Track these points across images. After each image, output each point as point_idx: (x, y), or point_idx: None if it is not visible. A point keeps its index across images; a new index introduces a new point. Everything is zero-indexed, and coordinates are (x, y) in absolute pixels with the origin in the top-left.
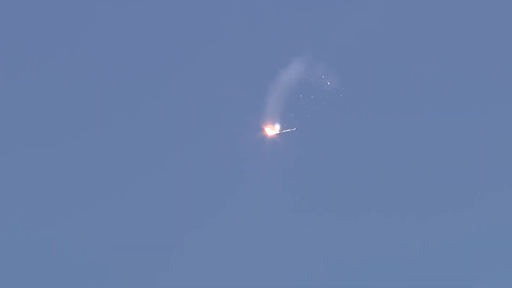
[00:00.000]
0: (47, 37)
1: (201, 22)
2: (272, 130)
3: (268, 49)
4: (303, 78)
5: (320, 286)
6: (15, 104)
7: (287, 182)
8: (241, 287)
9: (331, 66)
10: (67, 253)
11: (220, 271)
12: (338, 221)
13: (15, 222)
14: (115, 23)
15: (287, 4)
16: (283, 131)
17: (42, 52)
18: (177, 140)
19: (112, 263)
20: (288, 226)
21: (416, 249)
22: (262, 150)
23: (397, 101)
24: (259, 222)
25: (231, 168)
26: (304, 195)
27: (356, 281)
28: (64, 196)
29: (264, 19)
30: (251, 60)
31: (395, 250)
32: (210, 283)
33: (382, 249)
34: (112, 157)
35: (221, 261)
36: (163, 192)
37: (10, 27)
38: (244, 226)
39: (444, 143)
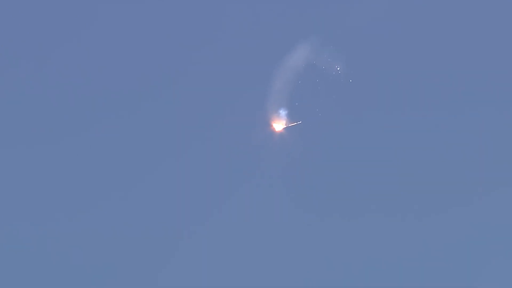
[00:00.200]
0: (46, 36)
1: (207, 9)
2: (279, 124)
3: (274, 35)
4: (310, 63)
5: (326, 285)
6: (14, 103)
7: (293, 179)
8: (247, 286)
9: (338, 52)
10: (66, 252)
11: (226, 269)
12: (343, 219)
13: (14, 222)
14: (116, 21)
15: None
16: (289, 125)
17: (41, 52)
18: (182, 137)
19: (113, 262)
20: (294, 224)
21: (418, 248)
22: (269, 146)
23: (405, 90)
24: (265, 220)
25: (238, 165)
26: (309, 193)
27: (358, 281)
28: (64, 195)
29: (270, 4)
30: (256, 46)
31: (399, 249)
32: (218, 281)
33: (386, 248)
34: (114, 155)
35: (226, 259)
36: (168, 189)
37: (9, 26)
38: (250, 224)
39: (452, 140)
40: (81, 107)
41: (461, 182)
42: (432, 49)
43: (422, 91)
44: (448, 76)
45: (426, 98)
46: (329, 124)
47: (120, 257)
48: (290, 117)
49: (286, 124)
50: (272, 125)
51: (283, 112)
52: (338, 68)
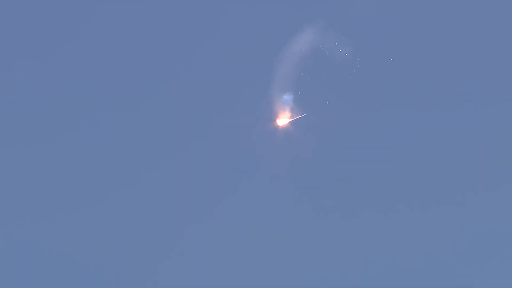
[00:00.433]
0: (45, 35)
1: None
2: (283, 118)
3: (278, 19)
4: (315, 48)
5: (329, 285)
6: (13, 103)
7: (297, 176)
8: (249, 285)
9: (345, 36)
10: (64, 251)
11: (227, 268)
12: (349, 219)
13: (12, 221)
14: (115, 20)
15: None
16: (294, 118)
17: (40, 51)
18: (184, 133)
19: (114, 262)
20: (298, 224)
21: (418, 247)
22: (273, 142)
23: (415, 77)
24: (268, 219)
25: (241, 161)
26: (314, 192)
27: (360, 280)
28: (62, 194)
29: None
30: (260, 31)
31: (404, 248)
32: (219, 281)
33: (391, 247)
34: (115, 153)
35: (227, 258)
36: (169, 188)
37: (8, 25)
38: (253, 223)
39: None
40: (81, 106)
41: (465, 181)
42: (444, 32)
43: (433, 77)
44: (461, 58)
45: (438, 84)
46: (336, 115)
47: (120, 256)
48: (295, 102)
49: (290, 118)
50: (276, 120)
51: (288, 97)
52: (347, 54)
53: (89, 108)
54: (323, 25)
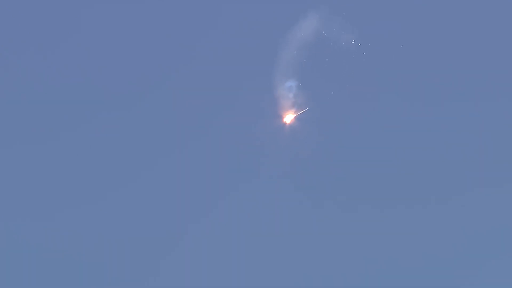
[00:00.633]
0: (43, 35)
1: None
2: (289, 114)
3: (280, 4)
4: (319, 35)
5: (331, 285)
6: (12, 102)
7: (302, 174)
8: (254, 282)
9: (350, 23)
10: (62, 251)
11: (228, 268)
12: (350, 217)
13: (12, 221)
14: (117, 19)
15: None
16: (298, 113)
17: (39, 50)
18: (184, 130)
19: (116, 261)
20: (303, 221)
21: (426, 247)
22: (279, 139)
23: (424, 66)
24: (273, 219)
25: (243, 160)
26: (319, 191)
27: (360, 281)
28: (61, 194)
29: None
30: (261, 17)
31: (409, 247)
32: (221, 280)
33: (397, 246)
34: (117, 151)
35: (228, 258)
36: (169, 187)
37: (6, 23)
38: (255, 222)
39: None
40: (81, 106)
41: (475, 180)
42: (454, 19)
43: (446, 66)
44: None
45: (452, 74)
46: (341, 107)
47: (122, 255)
48: (299, 89)
49: (295, 113)
50: (282, 117)
51: (291, 84)
52: (353, 41)
53: (91, 107)
54: (327, 10)
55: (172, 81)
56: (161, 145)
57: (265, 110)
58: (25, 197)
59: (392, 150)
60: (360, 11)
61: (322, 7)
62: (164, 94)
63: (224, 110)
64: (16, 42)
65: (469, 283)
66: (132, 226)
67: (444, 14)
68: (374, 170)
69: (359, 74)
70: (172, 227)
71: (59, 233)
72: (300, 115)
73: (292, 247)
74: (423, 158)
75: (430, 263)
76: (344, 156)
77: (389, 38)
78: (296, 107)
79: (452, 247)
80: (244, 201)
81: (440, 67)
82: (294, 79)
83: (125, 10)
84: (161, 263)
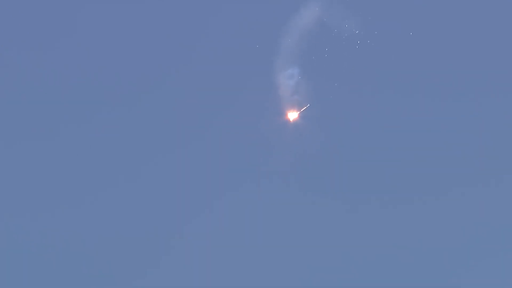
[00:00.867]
0: (43, 35)
1: None
2: (292, 112)
3: None
4: (321, 21)
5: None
6: (12, 101)
7: (306, 173)
8: (254, 285)
9: (352, 11)
10: (62, 251)
11: (230, 267)
12: (356, 215)
13: (8, 220)
14: (117, 19)
15: None
16: (301, 110)
17: (37, 49)
18: (185, 128)
19: (117, 260)
20: (306, 220)
21: (436, 245)
22: (284, 137)
23: (429, 55)
24: (275, 216)
25: (246, 159)
26: (323, 190)
27: (363, 280)
28: (59, 193)
29: None
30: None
31: (414, 246)
32: (222, 280)
33: (401, 245)
34: (118, 149)
35: (230, 258)
36: (170, 186)
37: (6, 23)
38: (257, 223)
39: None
40: (82, 105)
41: (484, 177)
42: (452, 12)
43: (455, 56)
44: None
45: (461, 65)
46: (344, 101)
47: (123, 254)
48: (301, 77)
49: (298, 110)
50: (286, 114)
51: (293, 71)
52: (357, 32)
53: (93, 107)
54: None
55: (175, 80)
56: (165, 144)
57: (269, 108)
58: (25, 196)
59: (396, 146)
60: None
61: None
62: (167, 93)
63: (228, 108)
64: (16, 41)
65: (468, 282)
66: (137, 224)
67: (447, 6)
68: (379, 167)
69: (363, 64)
70: (175, 225)
71: (59, 231)
72: (303, 112)
73: (297, 244)
74: (428, 154)
75: (435, 261)
76: (348, 153)
77: (392, 26)
78: (298, 96)
79: (456, 245)
80: (248, 199)
81: (445, 57)
82: (296, 66)
83: (126, 10)
84: (167, 260)
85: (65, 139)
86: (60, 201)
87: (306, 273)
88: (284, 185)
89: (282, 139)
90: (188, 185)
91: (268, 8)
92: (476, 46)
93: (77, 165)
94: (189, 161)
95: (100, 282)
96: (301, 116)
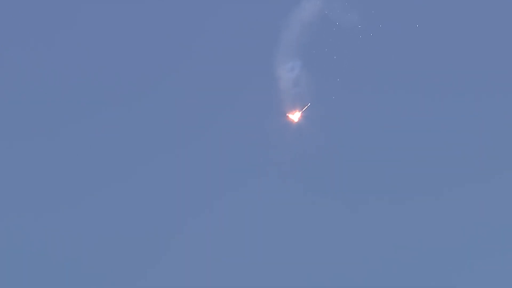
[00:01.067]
0: (43, 35)
1: None
2: (294, 113)
3: None
4: (322, 13)
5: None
6: (11, 100)
7: (308, 173)
8: (255, 285)
9: (352, 3)
10: (62, 250)
11: (230, 268)
12: (358, 215)
13: (10, 220)
14: (118, 19)
15: None
16: (303, 110)
17: (37, 51)
18: (185, 129)
19: (118, 259)
20: (308, 221)
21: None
22: (286, 137)
23: (435, 48)
24: (277, 217)
25: (247, 160)
26: (326, 190)
27: (365, 280)
28: (60, 192)
29: None
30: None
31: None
32: (223, 280)
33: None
34: (119, 148)
35: (230, 258)
36: (177, 184)
37: (6, 22)
38: (258, 223)
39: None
40: (83, 104)
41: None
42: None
43: (450, 51)
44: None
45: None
46: (346, 101)
47: (124, 253)
48: (303, 68)
49: (299, 110)
50: (288, 115)
51: (294, 64)
52: (360, 26)
53: (95, 107)
54: None
55: (175, 79)
56: (165, 143)
57: (269, 107)
58: (25, 195)
59: (396, 146)
60: None
61: None
62: (167, 92)
63: (228, 108)
64: (16, 40)
65: (468, 282)
66: (137, 224)
67: (449, 5)
68: (380, 167)
69: (365, 59)
70: (174, 225)
71: (59, 231)
72: (305, 111)
73: (297, 244)
74: (428, 154)
75: (435, 261)
76: (348, 152)
77: (396, 20)
78: (299, 88)
79: (456, 245)
80: (248, 199)
81: (449, 52)
82: (297, 59)
83: (126, 10)
84: (167, 260)
85: (65, 138)
86: (60, 200)
87: (306, 273)
88: (284, 185)
89: (282, 138)
90: (188, 185)
91: (269, 1)
92: (477, 46)
93: (77, 165)
94: (189, 161)
95: (100, 281)
96: (302, 115)
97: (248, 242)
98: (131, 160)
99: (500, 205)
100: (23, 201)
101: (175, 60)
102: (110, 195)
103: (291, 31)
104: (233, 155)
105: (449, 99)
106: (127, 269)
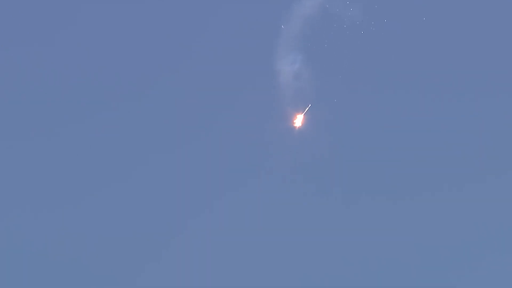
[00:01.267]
0: (42, 34)
1: None
2: (297, 117)
3: None
4: (323, 8)
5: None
6: (11, 100)
7: (309, 174)
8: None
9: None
10: (62, 250)
11: (230, 268)
12: (360, 216)
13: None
14: (118, 18)
15: None
16: (304, 112)
17: (36, 51)
18: (185, 130)
19: (118, 259)
20: (309, 221)
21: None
22: (289, 140)
23: (435, 44)
24: (278, 217)
25: (248, 161)
26: (325, 189)
27: (367, 280)
28: (60, 192)
29: None
30: None
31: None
32: (224, 281)
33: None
34: (120, 147)
35: (231, 258)
36: (173, 182)
37: (6, 21)
38: (259, 224)
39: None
40: (84, 104)
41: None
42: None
43: (455, 42)
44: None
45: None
46: (348, 101)
47: (124, 255)
48: (303, 62)
49: (302, 112)
50: (292, 120)
51: (295, 57)
52: (358, 23)
53: (97, 107)
54: None
55: (175, 79)
56: (165, 143)
57: (270, 107)
58: (25, 195)
59: (396, 146)
60: None
61: None
62: (168, 92)
63: (229, 108)
64: (16, 40)
65: (468, 282)
66: (137, 223)
67: (450, 4)
68: (380, 167)
69: (365, 56)
70: (175, 225)
71: (59, 230)
72: (307, 114)
73: (297, 244)
74: (428, 154)
75: (435, 261)
76: (348, 152)
77: (398, 15)
78: (299, 81)
79: (456, 245)
80: (248, 199)
81: (450, 52)
82: (298, 53)
83: (127, 10)
84: (167, 259)
85: (65, 138)
86: (60, 200)
87: (306, 273)
88: (284, 185)
89: (282, 138)
90: (189, 184)
91: (269, 1)
92: (477, 46)
93: (77, 165)
94: (189, 161)
95: (100, 281)
96: (305, 119)
97: (248, 242)
98: (132, 160)
99: (499, 205)
100: (23, 201)
101: (175, 60)
102: (110, 195)
103: (292, 25)
104: (233, 155)
105: (449, 99)
106: (128, 268)
